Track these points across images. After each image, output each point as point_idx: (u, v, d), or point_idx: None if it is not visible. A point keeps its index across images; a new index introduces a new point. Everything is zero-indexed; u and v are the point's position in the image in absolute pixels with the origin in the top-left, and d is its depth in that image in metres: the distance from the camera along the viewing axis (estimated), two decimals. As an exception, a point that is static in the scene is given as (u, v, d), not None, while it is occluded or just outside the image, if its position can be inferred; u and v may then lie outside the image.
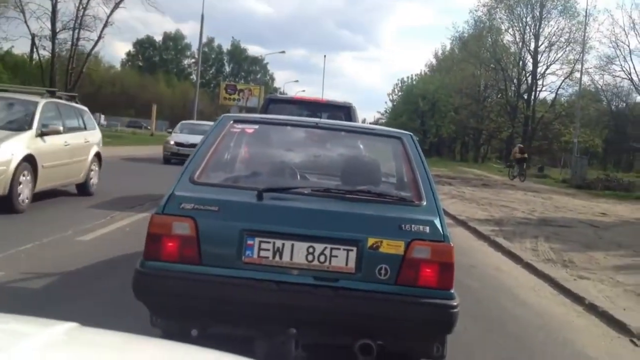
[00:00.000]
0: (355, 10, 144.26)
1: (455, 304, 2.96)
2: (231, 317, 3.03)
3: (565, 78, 51.53)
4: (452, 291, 2.99)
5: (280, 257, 2.94)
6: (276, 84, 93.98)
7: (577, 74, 42.63)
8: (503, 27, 54.53)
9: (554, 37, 51.71)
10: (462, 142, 66.91)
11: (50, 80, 35.44)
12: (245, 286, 2.90)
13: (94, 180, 10.50)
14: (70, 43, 37.07)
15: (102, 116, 57.76)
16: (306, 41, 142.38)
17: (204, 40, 54.74)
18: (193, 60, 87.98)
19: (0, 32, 36.99)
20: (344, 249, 2.95)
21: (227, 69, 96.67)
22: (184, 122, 24.98)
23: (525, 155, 29.51)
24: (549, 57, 52.57)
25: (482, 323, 4.85)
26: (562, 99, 54.64)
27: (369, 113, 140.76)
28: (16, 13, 34.53)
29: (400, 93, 67.60)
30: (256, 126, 4.15)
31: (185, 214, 2.96)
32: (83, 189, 10.18)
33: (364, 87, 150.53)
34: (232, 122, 3.83)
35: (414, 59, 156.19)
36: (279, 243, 2.94)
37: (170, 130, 27.18)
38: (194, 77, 68.94)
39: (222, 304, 2.95)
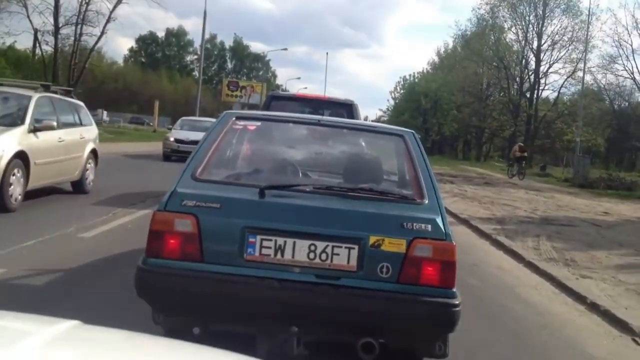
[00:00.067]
0: (358, 7, 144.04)
1: (457, 302, 2.96)
2: (233, 314, 3.02)
3: (568, 77, 51.56)
4: (454, 290, 2.99)
5: (282, 255, 2.93)
6: (278, 81, 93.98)
7: (580, 73, 42.69)
8: (506, 26, 54.60)
9: (556, 35, 51.76)
10: (465, 140, 66.84)
11: (53, 76, 35.48)
12: (246, 284, 2.89)
13: (89, 177, 10.23)
14: (73, 38, 37.11)
15: (105, 112, 57.79)
16: (308, 38, 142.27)
17: (207, 36, 54.71)
18: (195, 56, 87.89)
19: (3, 27, 37.08)
20: (345, 247, 2.94)
21: (230, 65, 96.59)
22: (184, 118, 24.75)
23: (525, 154, 29.53)
24: (551, 55, 52.61)
25: (484, 322, 4.84)
26: (565, 97, 54.67)
27: (371, 110, 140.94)
28: (19, 8, 34.60)
29: (402, 91, 67.52)
30: (258, 123, 4.15)
31: (187, 210, 2.96)
32: (78, 186, 9.91)
33: (366, 84, 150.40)
34: (234, 118, 3.83)
35: (416, 56, 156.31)
36: (280, 241, 2.94)
37: (171, 126, 26.88)
38: (196, 73, 68.97)
39: (223, 301, 2.94)
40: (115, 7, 36.53)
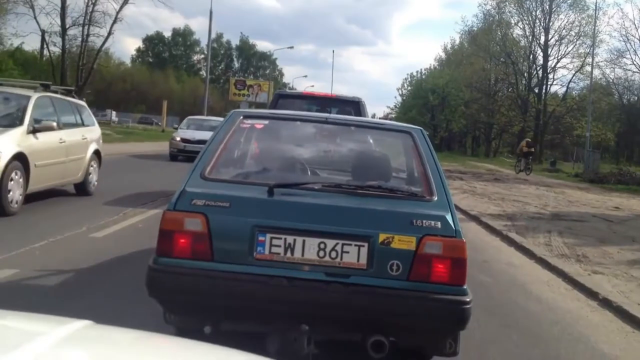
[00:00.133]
0: (363, 4, 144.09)
1: (468, 299, 2.94)
2: (243, 313, 3.03)
3: (576, 72, 51.38)
4: (464, 287, 2.97)
5: (292, 253, 2.93)
6: (285, 80, 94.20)
7: (588, 68, 42.58)
8: (513, 21, 54.43)
9: (564, 30, 51.54)
10: (473, 136, 66.66)
11: (61, 77, 35.69)
12: (256, 282, 2.89)
13: (93, 179, 9.96)
14: (80, 39, 37.31)
15: (114, 113, 58.04)
16: (315, 36, 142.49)
17: (213, 35, 54.81)
18: (202, 56, 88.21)
19: (11, 29, 37.56)
20: (355, 245, 2.94)
21: (236, 64, 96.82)
22: (190, 117, 24.42)
23: (532, 150, 29.45)
24: (559, 50, 52.41)
25: (496, 319, 4.82)
26: (574, 92, 54.44)
27: (378, 108, 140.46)
28: (26, 9, 34.79)
29: (409, 88, 67.52)
30: (266, 121, 4.15)
31: (196, 210, 2.96)
32: (82, 188, 9.65)
33: (373, 81, 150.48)
34: (241, 117, 3.83)
35: (423, 53, 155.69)
36: (290, 239, 2.93)
37: (177, 126, 26.36)
38: (203, 72, 69.12)
39: (234, 300, 2.94)
40: (121, 7, 36.77)
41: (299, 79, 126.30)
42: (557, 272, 6.71)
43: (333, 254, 2.93)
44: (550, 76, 53.61)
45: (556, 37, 51.96)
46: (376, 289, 2.91)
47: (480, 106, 56.93)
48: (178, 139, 20.12)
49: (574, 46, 51.29)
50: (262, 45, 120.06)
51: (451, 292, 2.94)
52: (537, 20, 52.27)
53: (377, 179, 3.36)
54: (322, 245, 2.93)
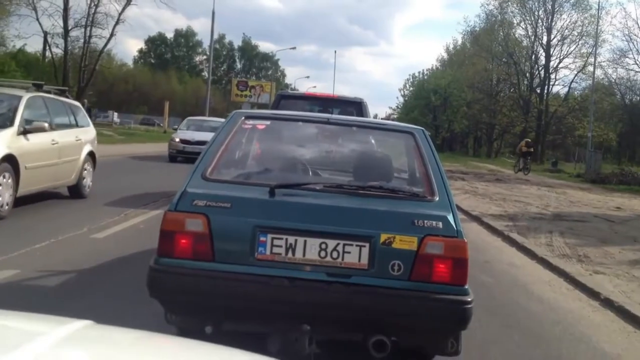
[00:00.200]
0: (365, 5, 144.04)
1: (469, 299, 2.94)
2: (244, 313, 3.03)
3: (579, 72, 51.30)
4: (466, 287, 2.97)
5: (293, 254, 2.93)
6: (287, 80, 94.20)
7: (590, 68, 42.45)
8: (515, 21, 54.36)
9: (566, 30, 51.47)
10: (475, 137, 66.59)
11: (64, 78, 35.74)
12: (258, 283, 2.89)
13: (87, 181, 9.68)
14: (82, 40, 37.39)
15: (115, 114, 58.07)
16: (317, 37, 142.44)
17: (215, 36, 54.83)
18: (204, 57, 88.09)
19: (13, 30, 37.60)
20: (356, 245, 2.94)
21: (239, 65, 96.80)
22: (190, 118, 24.00)
23: (531, 150, 29.52)
24: (561, 50, 52.36)
25: (497, 319, 4.82)
26: (576, 92, 54.38)
27: (380, 108, 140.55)
28: (28, 11, 34.84)
29: (411, 88, 67.46)
30: (268, 122, 4.15)
31: (197, 210, 2.96)
32: (75, 191, 9.38)
33: (375, 82, 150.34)
34: (243, 118, 3.83)
35: (425, 53, 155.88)
36: (291, 239, 2.93)
37: (176, 127, 25.70)
38: (205, 73, 69.09)
39: (235, 300, 2.95)
40: (124, 8, 36.84)
41: (301, 79, 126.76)
42: (559, 272, 6.71)
43: (334, 254, 2.93)
44: (553, 76, 53.62)
45: (558, 37, 51.98)
46: (377, 289, 2.92)
47: (482, 106, 56.87)
48: (177, 140, 19.66)
49: (577, 46, 51.33)
50: (265, 46, 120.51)
51: (452, 292, 2.94)
52: (540, 20, 52.27)
53: (378, 180, 3.36)
54: (323, 246, 2.93)
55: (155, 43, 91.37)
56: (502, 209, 12.42)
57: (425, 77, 65.42)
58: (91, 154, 9.90)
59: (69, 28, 36.31)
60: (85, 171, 9.58)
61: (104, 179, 10.85)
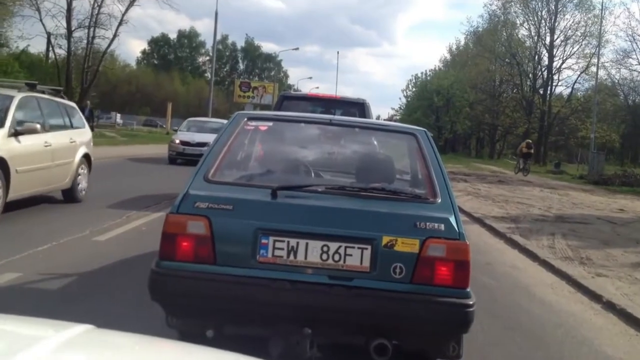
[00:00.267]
0: (368, 6, 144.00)
1: (471, 302, 2.94)
2: (246, 317, 3.02)
3: (582, 72, 51.28)
4: (468, 290, 2.96)
5: (295, 256, 2.92)
6: (290, 81, 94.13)
7: (594, 68, 42.41)
8: (518, 21, 54.39)
9: (569, 30, 51.45)
10: (478, 138, 66.56)
11: (67, 79, 35.76)
12: (259, 286, 2.89)
13: (82, 185, 9.34)
14: (85, 41, 37.34)
15: (118, 115, 58.11)
16: (319, 37, 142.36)
17: (218, 37, 54.84)
18: (207, 57, 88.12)
19: (17, 31, 37.41)
20: (358, 248, 2.93)
21: (242, 66, 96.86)
22: (190, 119, 23.42)
23: (531, 151, 29.60)
24: (564, 51, 52.31)
25: (499, 321, 4.82)
26: (579, 93, 54.28)
27: (383, 109, 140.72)
28: (32, 11, 34.85)
29: (414, 89, 67.37)
30: (270, 123, 4.14)
31: (199, 212, 2.96)
32: (69, 195, 9.05)
33: (378, 83, 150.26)
34: (246, 119, 3.83)
35: (428, 54, 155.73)
36: (293, 242, 2.93)
37: (176, 128, 24.67)
38: (208, 74, 69.10)
39: (237, 304, 2.94)
40: (127, 9, 36.79)
41: (304, 80, 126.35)
42: (561, 275, 6.69)
43: (336, 257, 2.92)
44: (555, 77, 53.57)
45: (562, 38, 51.96)
46: (379, 292, 2.91)
47: (484, 107, 56.84)
48: (177, 141, 19.14)
49: (580, 46, 51.29)
50: (268, 46, 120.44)
51: (454, 294, 2.93)
52: (543, 21, 52.27)
53: (381, 181, 3.36)
54: (325, 248, 2.93)
55: (159, 44, 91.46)
56: (505, 210, 12.40)
57: (428, 78, 65.38)
58: (86, 157, 9.58)
59: (72, 29, 36.29)
60: (80, 174, 9.28)
61: (102, 182, 10.82)
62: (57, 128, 8.78)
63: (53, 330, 1.36)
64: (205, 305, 2.97)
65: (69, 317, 1.63)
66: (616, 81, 50.85)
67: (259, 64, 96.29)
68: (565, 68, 52.98)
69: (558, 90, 55.40)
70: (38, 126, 7.90)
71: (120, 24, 36.77)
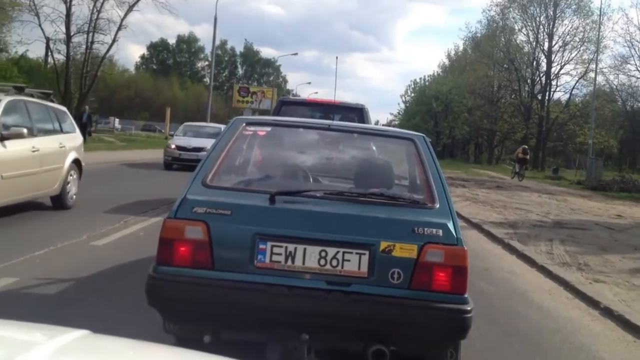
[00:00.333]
0: (367, 11, 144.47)
1: (469, 308, 2.93)
2: (243, 322, 3.02)
3: (580, 78, 51.42)
4: (465, 295, 2.96)
5: (293, 262, 2.92)
6: (289, 86, 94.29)
7: (592, 74, 42.52)
8: (516, 27, 54.49)
9: (567, 36, 51.60)
10: (476, 143, 66.64)
11: (65, 84, 35.77)
12: (257, 291, 2.88)
13: (71, 191, 9.03)
14: (84, 46, 37.34)
15: (117, 120, 58.12)
16: (318, 43, 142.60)
17: (217, 42, 54.83)
18: (206, 62, 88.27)
19: (15, 36, 37.44)
20: (356, 253, 2.93)
21: (240, 71, 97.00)
22: (187, 124, 23.08)
23: (527, 157, 29.84)
24: (563, 56, 52.47)
25: (497, 327, 4.81)
26: (577, 99, 54.42)
27: (381, 115, 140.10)
28: (31, 17, 34.84)
29: (412, 94, 67.48)
30: (269, 128, 4.15)
31: (197, 217, 2.95)
32: (58, 201, 8.77)
33: (377, 88, 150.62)
34: (244, 124, 3.83)
35: (426, 60, 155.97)
36: (291, 247, 2.92)
37: (172, 133, 24.34)
38: (207, 79, 69.17)
39: (234, 309, 2.94)
40: (126, 14, 36.80)
41: (303, 85, 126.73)
42: (559, 281, 6.69)
43: (334, 262, 2.92)
44: (554, 83, 53.78)
45: (560, 43, 52.09)
46: (377, 297, 2.90)
47: (483, 113, 56.94)
48: (173, 146, 18.76)
49: (578, 52, 51.45)
50: (266, 51, 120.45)
51: (452, 300, 2.93)
52: (541, 26, 52.40)
53: (379, 187, 3.36)
54: (323, 254, 2.92)
55: (158, 49, 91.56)
56: (503, 216, 12.41)
57: (427, 83, 65.50)
58: (76, 162, 9.29)
59: (71, 34, 36.30)
60: (70, 180, 8.99)
61: (99, 187, 10.80)
62: (45, 132, 8.54)
63: (49, 335, 1.36)
64: (203, 311, 2.96)
65: (66, 322, 1.63)
66: (614, 87, 50.98)
67: (257, 69, 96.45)
68: (563, 74, 53.30)
69: (556, 95, 55.69)
70: (25, 131, 7.63)
71: (119, 29, 36.82)
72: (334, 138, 4.15)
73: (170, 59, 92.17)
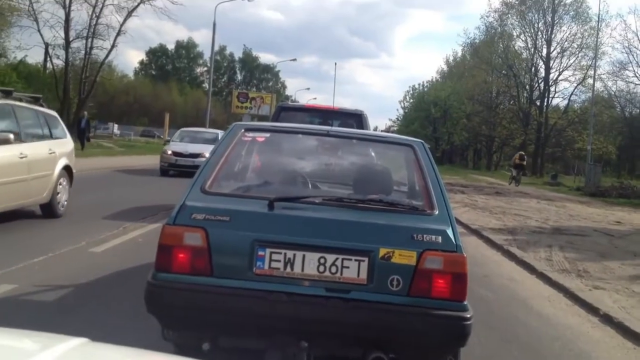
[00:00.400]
0: (366, 17, 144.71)
1: (468, 315, 2.92)
2: (242, 329, 3.00)
3: (578, 84, 51.46)
4: (465, 302, 2.95)
5: (292, 268, 2.91)
6: (288, 92, 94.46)
7: (590, 80, 42.59)
8: (515, 33, 54.60)
9: (566, 42, 51.70)
10: (475, 149, 66.69)
11: (64, 90, 35.79)
12: (256, 298, 2.87)
13: (62, 199, 8.73)
14: (83, 52, 37.40)
15: (116, 125, 58.09)
16: (317, 48, 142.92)
17: (216, 48, 54.92)
18: (205, 68, 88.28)
19: (14, 42, 37.44)
20: (355, 260, 2.92)
21: (239, 77, 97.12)
22: (183, 129, 22.75)
23: (524, 162, 30.08)
24: (561, 63, 52.52)
25: (496, 334, 4.80)
26: (575, 105, 54.40)
27: (380, 120, 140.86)
28: (30, 22, 34.90)
29: (411, 100, 67.61)
30: (267, 134, 4.14)
31: (196, 224, 2.94)
32: (48, 210, 8.47)
33: (376, 94, 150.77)
34: (243, 130, 3.83)
35: (425, 65, 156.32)
36: (290, 254, 2.91)
37: (169, 138, 23.73)
38: (206, 85, 69.22)
39: (233, 316, 2.92)
40: (125, 20, 36.91)
41: (302, 91, 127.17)
42: (558, 288, 6.68)
43: (333, 269, 2.91)
44: (552, 89, 53.77)
45: (558, 50, 52.20)
46: (376, 304, 2.89)
47: (481, 119, 57.01)
48: (169, 152, 18.40)
49: (576, 58, 51.50)
50: (266, 57, 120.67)
51: (452, 307, 2.92)
52: (540, 33, 52.48)
53: (378, 193, 3.35)
54: (322, 260, 2.91)
55: (156, 54, 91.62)
56: (502, 222, 12.41)
57: (425, 89, 65.63)
58: (67, 169, 8.95)
59: (70, 39, 36.36)
60: (60, 187, 8.68)
61: (96, 193, 10.78)
62: (34, 138, 8.25)
63: (48, 343, 1.35)
64: (202, 318, 2.95)
65: (64, 328, 1.62)
66: (613, 93, 51.07)
67: (256, 75, 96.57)
68: (561, 80, 53.25)
69: (555, 102, 55.65)
70: (11, 136, 7.36)
71: (118, 34, 36.91)
72: (332, 144, 4.15)
73: (169, 64, 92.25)
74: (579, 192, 26.13)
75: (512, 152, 57.07)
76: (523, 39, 54.03)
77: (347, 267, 2.91)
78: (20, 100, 8.35)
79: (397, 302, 2.89)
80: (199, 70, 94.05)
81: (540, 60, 53.43)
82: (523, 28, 53.39)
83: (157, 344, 2.97)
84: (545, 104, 53.58)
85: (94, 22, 36.39)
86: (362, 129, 8.59)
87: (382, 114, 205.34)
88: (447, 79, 67.81)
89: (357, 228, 3.00)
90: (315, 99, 69.87)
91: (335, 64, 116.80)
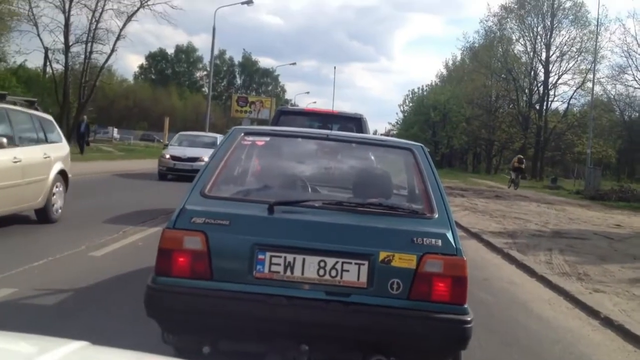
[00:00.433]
0: (365, 21, 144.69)
1: (469, 319, 2.92)
2: (242, 333, 3.00)
3: (577, 88, 51.50)
4: (465, 306, 2.95)
5: (292, 272, 2.91)
6: (287, 96, 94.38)
7: (589, 84, 42.67)
8: (514, 37, 54.65)
9: (565, 46, 51.74)
10: (474, 153, 66.72)
11: (64, 94, 35.79)
12: (256, 302, 2.87)
13: (57, 204, 8.59)
14: (83, 56, 37.37)
15: (116, 130, 58.13)
16: (317, 52, 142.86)
17: (216, 52, 55.06)
18: (205, 72, 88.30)
19: (14, 46, 37.48)
20: (355, 263, 2.92)
21: (239, 81, 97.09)
22: (182, 133, 22.65)
23: (522, 166, 30.10)
24: (560, 66, 52.55)
25: (496, 337, 4.79)
26: (575, 109, 54.48)
27: (380, 124, 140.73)
28: (29, 26, 34.88)
29: (411, 104, 67.68)
30: (267, 138, 4.15)
31: (196, 228, 2.94)
32: (43, 215, 8.32)
33: (375, 98, 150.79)
34: (242, 134, 3.83)
35: (425, 69, 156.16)
36: (290, 257, 2.91)
37: (167, 142, 23.66)
38: (206, 89, 69.23)
39: (233, 319, 2.92)
40: (124, 24, 36.84)
41: (301, 95, 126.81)
42: (558, 291, 6.68)
43: (333, 273, 2.91)
44: (551, 92, 53.79)
45: (557, 53, 52.22)
46: (376, 308, 2.89)
47: (481, 123, 57.04)
48: (167, 156, 18.21)
49: (575, 62, 51.55)
50: (265, 61, 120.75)
51: (452, 311, 2.92)
52: (539, 37, 52.54)
53: (378, 196, 3.35)
54: (322, 264, 2.91)
55: (156, 59, 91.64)
56: (502, 225, 12.41)
57: (425, 93, 65.69)
58: (62, 173, 8.81)
59: (70, 44, 36.31)
60: (55, 193, 8.53)
61: (96, 197, 10.76)
62: (29, 142, 8.13)
63: (48, 347, 1.35)
64: (202, 321, 2.95)
65: (65, 332, 1.62)
66: (612, 97, 51.05)
67: (256, 79, 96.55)
68: (561, 84, 53.32)
69: (554, 105, 55.71)
70: (4, 140, 7.20)
71: (117, 39, 36.85)
72: (332, 148, 4.15)
73: (168, 68, 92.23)
74: (579, 196, 26.13)
75: (512, 155, 57.08)
76: (522, 43, 54.19)
77: (347, 271, 2.91)
78: (15, 103, 8.22)
79: (397, 305, 2.89)
80: (198, 74, 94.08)
81: (540, 64, 53.52)
82: (522, 32, 53.51)
83: (157, 347, 2.97)
84: (544, 107, 53.63)
85: (94, 27, 36.36)
86: (362, 132, 8.60)
87: (382, 117, 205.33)
88: (446, 83, 67.89)
89: (357, 232, 3.00)
90: (314, 102, 69.86)
91: (335, 68, 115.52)
